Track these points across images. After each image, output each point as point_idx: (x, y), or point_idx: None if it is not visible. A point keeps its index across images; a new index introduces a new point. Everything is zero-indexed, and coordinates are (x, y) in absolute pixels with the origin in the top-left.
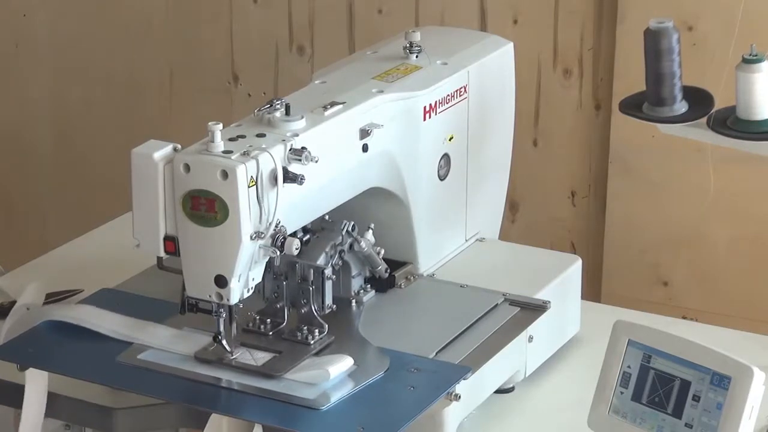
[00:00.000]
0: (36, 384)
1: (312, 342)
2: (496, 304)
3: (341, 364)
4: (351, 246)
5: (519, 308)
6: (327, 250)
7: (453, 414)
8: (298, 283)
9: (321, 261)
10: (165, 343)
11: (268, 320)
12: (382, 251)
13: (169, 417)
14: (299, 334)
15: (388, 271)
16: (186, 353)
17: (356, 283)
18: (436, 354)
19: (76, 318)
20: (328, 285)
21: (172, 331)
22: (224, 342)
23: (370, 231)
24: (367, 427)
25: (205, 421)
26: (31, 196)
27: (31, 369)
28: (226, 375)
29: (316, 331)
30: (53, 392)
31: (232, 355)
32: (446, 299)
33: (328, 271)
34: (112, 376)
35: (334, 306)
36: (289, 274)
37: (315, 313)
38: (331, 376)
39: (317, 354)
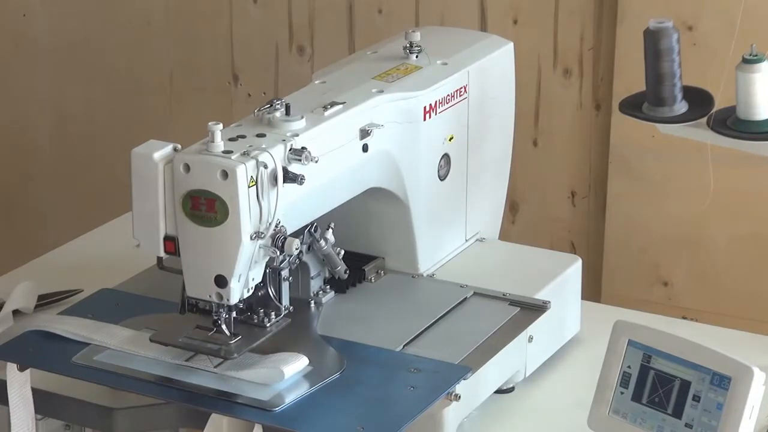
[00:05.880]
0: (18, 383)
1: (269, 325)
2: (465, 298)
3: (296, 364)
4: (310, 247)
5: (519, 308)
6: None
7: (453, 414)
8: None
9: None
10: (122, 344)
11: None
12: (342, 252)
13: (169, 417)
14: (255, 317)
15: (348, 272)
16: (143, 354)
17: (315, 284)
18: (403, 347)
19: (38, 325)
20: (285, 286)
21: (130, 332)
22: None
23: (330, 230)
24: (367, 427)
25: (205, 421)
26: (31, 196)
27: (10, 368)
28: (181, 373)
29: (273, 313)
30: (54, 392)
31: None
32: (415, 293)
33: (284, 273)
34: (108, 377)
35: (291, 307)
36: None
37: (272, 297)
38: (285, 376)
39: (274, 336)
